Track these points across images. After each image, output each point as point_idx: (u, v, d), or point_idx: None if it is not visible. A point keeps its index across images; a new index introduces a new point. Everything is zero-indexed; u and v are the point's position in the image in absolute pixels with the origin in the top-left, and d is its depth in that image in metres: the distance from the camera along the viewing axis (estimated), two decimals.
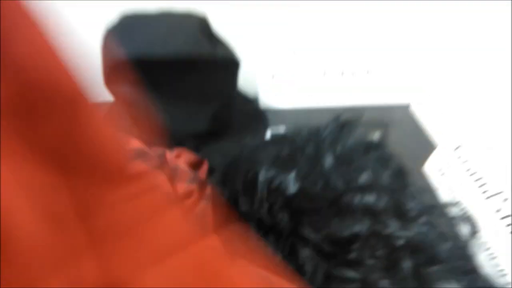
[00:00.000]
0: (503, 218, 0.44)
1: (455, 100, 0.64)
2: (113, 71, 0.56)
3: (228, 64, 0.61)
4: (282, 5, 0.67)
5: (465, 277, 0.40)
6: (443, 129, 0.67)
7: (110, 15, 0.59)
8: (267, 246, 0.39)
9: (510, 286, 0.43)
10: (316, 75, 0.77)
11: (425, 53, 0.74)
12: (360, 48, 0.73)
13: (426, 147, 0.65)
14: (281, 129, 0.68)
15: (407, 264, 0.38)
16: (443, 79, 0.70)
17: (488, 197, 0.47)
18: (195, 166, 0.53)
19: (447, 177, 0.56)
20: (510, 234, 0.43)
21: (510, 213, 0.44)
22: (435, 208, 0.49)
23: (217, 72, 0.59)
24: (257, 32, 0.71)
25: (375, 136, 0.62)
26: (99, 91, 0.56)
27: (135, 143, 0.48)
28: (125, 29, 0.58)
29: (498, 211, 0.45)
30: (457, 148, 0.55)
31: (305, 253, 0.39)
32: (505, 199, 0.45)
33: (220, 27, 0.63)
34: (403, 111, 0.80)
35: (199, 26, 0.58)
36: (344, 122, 0.49)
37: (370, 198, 0.40)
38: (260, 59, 0.75)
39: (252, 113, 0.75)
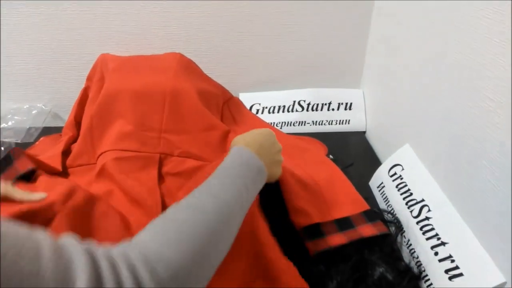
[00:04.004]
0: (418, 222, 0.60)
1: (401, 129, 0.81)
2: None
3: None
4: None
5: (391, 263, 0.55)
6: (386, 153, 0.84)
7: None
8: None
9: (424, 274, 0.58)
10: None
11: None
12: None
13: (375, 166, 0.79)
14: None
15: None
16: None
17: (409, 206, 0.64)
18: None
19: (384, 189, 0.73)
20: (422, 235, 0.59)
21: (424, 217, 0.60)
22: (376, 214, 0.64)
23: None
24: None
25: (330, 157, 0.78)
26: None
27: None
28: None
29: (416, 216, 0.61)
30: (390, 168, 0.72)
31: None
32: (422, 206, 0.61)
33: None
34: (359, 136, 0.97)
35: None
36: None
37: None
38: None
39: None
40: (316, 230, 0.58)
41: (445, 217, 0.58)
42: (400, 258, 0.60)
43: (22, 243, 0.25)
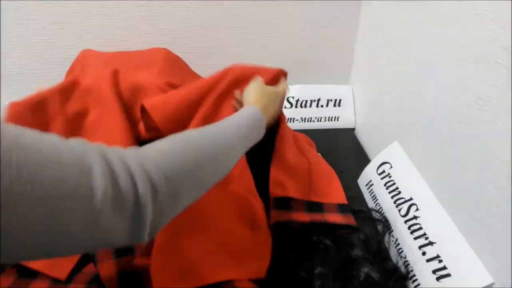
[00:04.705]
0: (406, 221, 0.60)
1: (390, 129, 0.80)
2: None
3: None
4: None
5: (378, 263, 0.55)
6: (375, 150, 0.83)
7: None
8: None
9: (412, 274, 0.57)
10: None
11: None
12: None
13: (364, 163, 0.78)
14: None
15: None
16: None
17: (397, 205, 0.63)
18: None
19: (372, 187, 0.72)
20: (410, 234, 0.58)
21: (412, 216, 0.59)
22: (361, 212, 0.64)
23: None
24: None
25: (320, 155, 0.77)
26: None
27: None
28: None
29: (404, 215, 0.61)
30: (379, 166, 0.71)
31: None
32: (411, 205, 0.61)
33: None
34: (349, 133, 0.97)
35: None
36: None
37: None
38: None
39: None
40: (285, 203, 0.60)
41: (433, 216, 0.57)
42: (387, 257, 0.59)
43: (41, 136, 0.27)
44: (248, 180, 0.59)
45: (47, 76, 0.94)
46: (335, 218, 0.60)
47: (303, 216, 0.59)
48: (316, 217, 0.59)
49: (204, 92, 0.60)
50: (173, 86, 0.66)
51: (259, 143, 0.52)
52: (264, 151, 0.62)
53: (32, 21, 0.86)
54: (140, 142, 0.61)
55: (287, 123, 0.95)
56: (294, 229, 0.58)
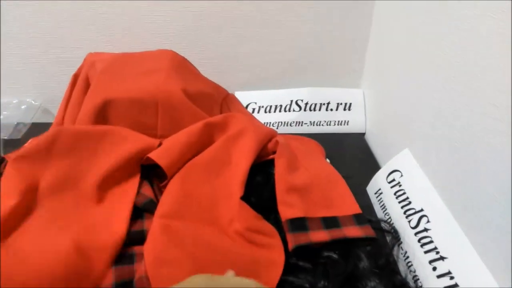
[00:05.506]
0: (416, 233, 0.57)
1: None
2: None
3: None
4: None
5: (386, 277, 0.52)
6: (385, 156, 0.81)
7: None
8: None
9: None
10: None
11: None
12: None
13: (374, 170, 0.75)
14: None
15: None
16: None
17: (407, 215, 0.60)
18: None
19: (382, 196, 0.69)
20: (420, 247, 0.56)
21: (423, 229, 0.57)
22: (370, 222, 0.61)
23: None
24: None
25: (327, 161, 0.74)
26: None
27: None
28: None
29: (414, 227, 0.58)
30: (388, 174, 0.69)
31: None
32: (421, 217, 0.58)
33: None
34: (358, 138, 0.94)
35: None
36: None
37: None
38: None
39: None
40: (301, 224, 0.55)
41: (445, 229, 0.54)
42: (396, 271, 0.57)
43: None
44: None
45: (53, 76, 0.93)
46: (354, 232, 0.56)
47: (322, 235, 0.54)
48: (335, 233, 0.55)
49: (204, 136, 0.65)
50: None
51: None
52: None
53: (38, 19, 0.86)
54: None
55: (296, 126, 0.93)
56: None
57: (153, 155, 0.59)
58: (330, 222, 0.57)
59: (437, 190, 0.59)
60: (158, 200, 0.56)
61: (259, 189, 0.61)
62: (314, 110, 0.94)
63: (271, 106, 0.94)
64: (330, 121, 0.95)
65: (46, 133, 0.61)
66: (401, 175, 0.67)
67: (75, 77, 0.77)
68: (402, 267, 0.58)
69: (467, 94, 0.51)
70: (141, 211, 0.56)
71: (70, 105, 0.73)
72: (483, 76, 0.48)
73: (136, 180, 0.60)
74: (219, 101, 0.80)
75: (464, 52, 0.52)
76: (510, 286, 0.43)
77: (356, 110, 0.95)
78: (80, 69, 0.77)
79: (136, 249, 0.52)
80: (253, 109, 0.94)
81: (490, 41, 0.47)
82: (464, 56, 0.52)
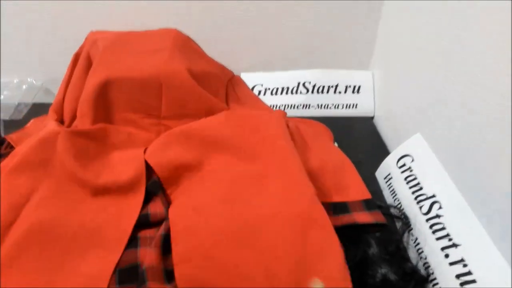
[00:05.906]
0: (428, 220, 0.56)
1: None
2: None
3: None
4: None
5: (396, 264, 0.51)
6: (395, 141, 0.79)
7: None
8: None
9: (432, 277, 0.54)
10: None
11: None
12: None
13: (383, 155, 0.73)
14: None
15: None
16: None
17: (419, 201, 0.59)
18: None
19: (391, 181, 0.68)
20: (432, 234, 0.54)
21: (434, 215, 0.55)
22: (380, 208, 0.60)
23: None
24: None
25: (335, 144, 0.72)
26: None
27: None
28: None
29: (425, 213, 0.57)
30: (399, 159, 0.67)
31: None
32: (433, 203, 0.56)
33: None
34: (367, 121, 0.92)
35: None
36: None
37: None
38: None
39: None
40: None
41: (459, 216, 0.53)
42: (406, 258, 0.55)
43: None
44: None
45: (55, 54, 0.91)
46: (364, 217, 0.54)
47: (333, 221, 0.51)
48: (345, 219, 0.53)
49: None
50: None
51: None
52: None
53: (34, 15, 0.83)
54: None
55: (303, 109, 0.91)
56: None
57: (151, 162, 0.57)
58: (340, 208, 0.55)
59: (450, 176, 0.57)
60: (161, 183, 0.55)
61: None
62: (322, 92, 0.92)
63: (277, 88, 0.92)
64: (338, 104, 0.92)
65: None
66: (412, 160, 0.65)
67: (77, 56, 0.74)
68: (412, 254, 0.57)
69: (486, 75, 0.49)
70: (146, 193, 0.54)
71: (71, 84, 0.70)
72: (503, 56, 0.45)
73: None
74: (224, 82, 0.77)
75: (480, 34, 0.50)
76: None
77: (365, 93, 0.92)
78: (81, 48, 0.75)
79: (141, 233, 0.50)
80: (259, 91, 0.91)
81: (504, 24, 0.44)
82: (481, 35, 0.50)
